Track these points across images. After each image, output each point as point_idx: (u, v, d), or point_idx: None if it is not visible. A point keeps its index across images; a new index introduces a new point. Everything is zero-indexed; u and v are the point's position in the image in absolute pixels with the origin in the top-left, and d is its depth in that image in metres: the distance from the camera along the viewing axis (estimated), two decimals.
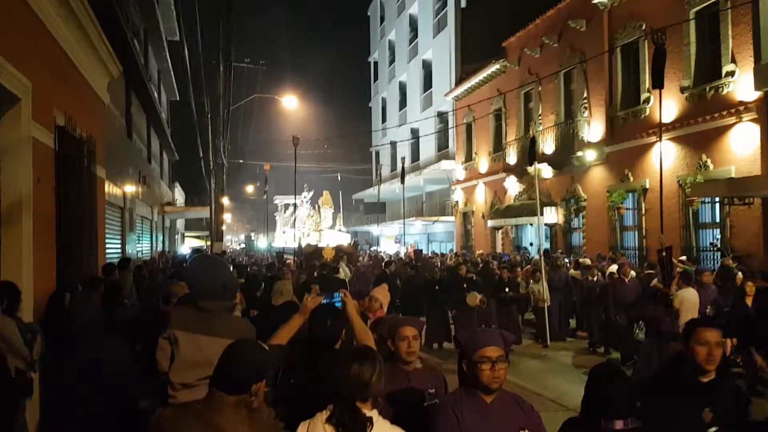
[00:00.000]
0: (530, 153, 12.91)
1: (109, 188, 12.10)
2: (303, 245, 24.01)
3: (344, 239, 29.20)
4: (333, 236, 29.90)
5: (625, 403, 2.63)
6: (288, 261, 19.03)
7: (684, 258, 12.08)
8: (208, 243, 25.65)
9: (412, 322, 3.51)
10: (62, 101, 7.19)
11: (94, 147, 8.58)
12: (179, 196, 34.35)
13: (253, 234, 55.32)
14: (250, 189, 55.53)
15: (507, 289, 11.56)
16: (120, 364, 3.90)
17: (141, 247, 18.85)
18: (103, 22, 8.61)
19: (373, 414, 2.57)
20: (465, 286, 11.35)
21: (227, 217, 33.61)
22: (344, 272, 15.79)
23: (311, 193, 36.03)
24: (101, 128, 10.11)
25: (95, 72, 9.22)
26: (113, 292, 6.66)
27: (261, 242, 47.37)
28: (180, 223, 38.02)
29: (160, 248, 23.84)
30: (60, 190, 6.87)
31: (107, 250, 11.37)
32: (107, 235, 11.45)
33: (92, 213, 8.62)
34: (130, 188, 15.80)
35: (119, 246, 14.42)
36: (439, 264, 18.24)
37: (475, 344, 2.78)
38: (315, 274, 14.09)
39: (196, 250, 18.89)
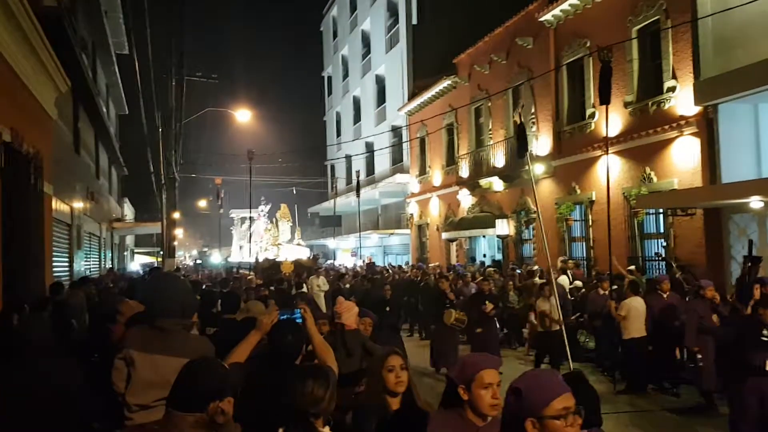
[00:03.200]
0: (520, 143, 10.08)
1: (57, 205, 11.77)
2: (260, 260, 23.75)
3: (303, 253, 29.01)
4: (292, 250, 29.66)
5: (588, 411, 2.67)
6: (249, 277, 18.41)
7: (632, 268, 12.48)
8: (160, 259, 25.08)
9: (493, 361, 2.66)
10: (8, 116, 7.01)
11: (41, 163, 8.38)
12: (129, 211, 33.53)
13: (206, 249, 54.41)
14: (203, 203, 54.64)
15: (486, 302, 10.33)
16: (72, 385, 3.81)
17: (89, 264, 18.33)
18: (50, 35, 8.44)
19: (326, 430, 2.61)
20: (447, 303, 10.50)
21: (179, 232, 32.94)
22: (318, 287, 15.91)
23: (268, 207, 35.68)
24: (49, 143, 9.87)
25: (42, 86, 9.01)
26: (62, 312, 6.48)
27: (215, 257, 46.67)
28: (130, 240, 37.09)
29: (109, 266, 23.21)
30: (6, 208, 6.68)
31: (54, 269, 11.05)
32: (54, 253, 11.13)
33: (39, 230, 8.39)
34: (77, 204, 15.39)
35: (67, 264, 14.00)
36: (393, 278, 18.21)
37: (546, 394, 2.04)
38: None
39: (153, 268, 18.31)
